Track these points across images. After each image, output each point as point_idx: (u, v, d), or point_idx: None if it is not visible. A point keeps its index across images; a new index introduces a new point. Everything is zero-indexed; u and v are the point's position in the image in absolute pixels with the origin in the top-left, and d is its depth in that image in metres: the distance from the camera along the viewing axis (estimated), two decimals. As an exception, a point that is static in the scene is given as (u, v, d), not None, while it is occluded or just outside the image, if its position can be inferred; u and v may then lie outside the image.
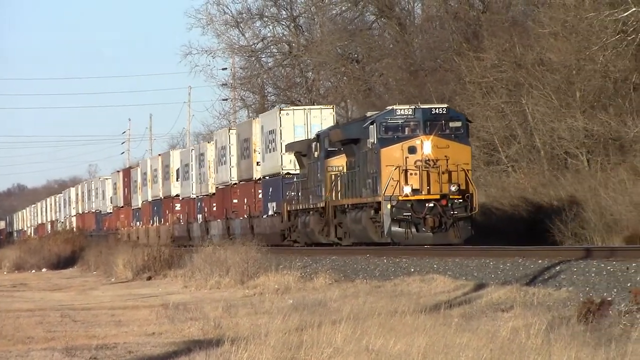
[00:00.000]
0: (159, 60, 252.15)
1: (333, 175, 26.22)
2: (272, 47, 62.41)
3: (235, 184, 39.50)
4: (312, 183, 28.42)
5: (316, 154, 27.69)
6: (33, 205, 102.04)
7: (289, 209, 30.63)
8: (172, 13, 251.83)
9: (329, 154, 26.76)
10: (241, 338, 6.27)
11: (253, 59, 61.42)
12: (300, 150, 29.97)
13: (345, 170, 25.66)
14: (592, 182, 26.92)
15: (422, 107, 22.98)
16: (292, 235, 30.89)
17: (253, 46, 60.93)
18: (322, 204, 26.92)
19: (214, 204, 42.43)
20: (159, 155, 58.01)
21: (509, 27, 39.08)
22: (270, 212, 34.06)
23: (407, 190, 21.72)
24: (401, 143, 22.03)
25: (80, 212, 73.49)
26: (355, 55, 54.48)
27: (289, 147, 31.40)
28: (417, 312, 7.92)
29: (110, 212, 63.43)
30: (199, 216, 44.56)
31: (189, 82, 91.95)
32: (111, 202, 64.26)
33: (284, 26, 61.49)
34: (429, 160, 21.72)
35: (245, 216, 37.33)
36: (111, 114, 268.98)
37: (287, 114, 33.84)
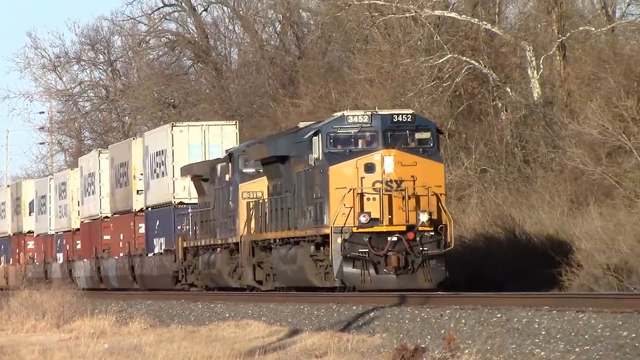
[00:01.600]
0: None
1: (251, 203, 21.75)
2: (89, 91, 64.19)
3: (107, 217, 34.35)
4: (220, 213, 23.46)
5: (227, 177, 22.87)
6: None
7: (185, 245, 25.87)
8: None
9: (245, 177, 22.29)
10: None
11: (70, 102, 63.53)
12: (201, 173, 25.05)
13: (266, 197, 21.20)
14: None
15: (380, 113, 18.16)
16: (189, 278, 25.95)
17: (70, 90, 62.78)
18: (234, 239, 22.24)
19: (78, 241, 37.45)
20: (8, 186, 52.03)
21: (325, 73, 40.99)
22: (157, 250, 28.78)
23: (364, 219, 16.95)
24: (355, 159, 17.38)
25: None
26: (172, 100, 55.56)
27: (186, 171, 26.14)
28: (232, 357, 8.91)
29: None
30: (59, 255, 39.36)
31: (6, 125, 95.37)
32: None
33: (101, 70, 63.55)
34: (391, 181, 17.18)
35: (122, 254, 32.00)
36: None
37: (181, 130, 28.67)
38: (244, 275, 22.14)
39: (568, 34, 30.48)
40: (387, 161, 17.13)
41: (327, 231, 17.16)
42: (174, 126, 29.23)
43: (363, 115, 17.98)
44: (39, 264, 40.87)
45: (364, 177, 17.22)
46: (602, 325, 7.72)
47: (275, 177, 20.64)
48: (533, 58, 29.81)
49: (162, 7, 53.59)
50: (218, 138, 28.30)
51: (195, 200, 26.36)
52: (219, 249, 23.38)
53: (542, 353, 7.22)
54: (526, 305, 11.67)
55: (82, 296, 21.21)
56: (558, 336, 7.89)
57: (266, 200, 21.13)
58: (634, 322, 7.45)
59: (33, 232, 42.86)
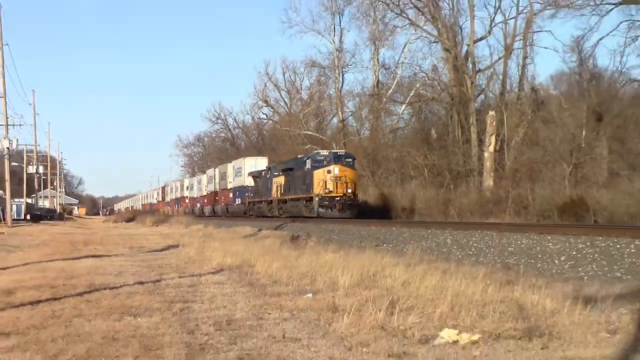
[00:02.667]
0: None
1: (276, 185, 41.75)
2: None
3: (217, 190, 63.30)
4: (264, 189, 45.29)
5: (268, 175, 44.07)
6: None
7: (248, 200, 49.88)
8: None
9: (274, 176, 42.30)
10: (186, 245, 19.74)
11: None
12: (256, 175, 48.44)
13: (283, 183, 40.28)
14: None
15: (332, 151, 38.32)
16: (250, 212, 48.63)
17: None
18: (270, 199, 42.91)
19: (205, 200, 68.17)
20: (178, 180, 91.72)
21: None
22: (237, 202, 54.04)
23: (327, 191, 34.42)
24: (323, 169, 34.81)
25: (142, 203, 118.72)
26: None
27: (250, 174, 50.28)
28: (237, 236, 24.79)
29: (154, 202, 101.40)
30: (198, 204, 71.34)
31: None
32: (154, 198, 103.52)
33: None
34: (337, 177, 34.52)
35: (224, 204, 59.70)
36: None
37: (245, 160, 55.26)
38: (273, 211, 41.21)
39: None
40: (336, 169, 33.90)
41: (312, 195, 34.10)
42: (244, 159, 55.95)
43: (326, 151, 37.42)
44: (189, 208, 73.72)
45: (328, 174, 33.78)
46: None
47: (287, 176, 39.04)
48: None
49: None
50: (259, 162, 53.38)
51: (251, 184, 49.11)
52: (263, 202, 44.59)
53: (338, 238, 20.90)
54: (362, 223, 25.24)
55: (199, 218, 51.73)
56: (378, 235, 20.09)
57: (283, 184, 39.84)
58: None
59: (187, 197, 77.59)
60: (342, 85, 58.36)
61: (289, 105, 68.99)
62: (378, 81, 52.26)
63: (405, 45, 50.20)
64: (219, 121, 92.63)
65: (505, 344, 5.47)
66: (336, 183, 33.79)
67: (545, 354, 5.16)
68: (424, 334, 5.82)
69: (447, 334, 5.73)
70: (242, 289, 9.48)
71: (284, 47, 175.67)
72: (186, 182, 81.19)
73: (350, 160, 35.82)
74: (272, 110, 73.36)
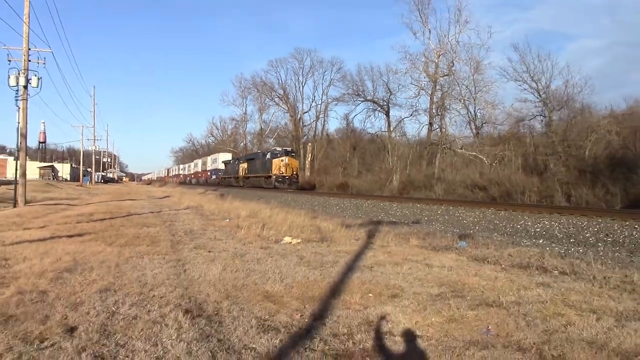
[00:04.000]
0: None
1: (242, 168, 60.59)
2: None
3: (199, 171, 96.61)
4: (231, 171, 65.15)
5: (236, 162, 63.91)
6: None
7: (221, 177, 73.10)
8: None
9: (240, 163, 62.60)
10: (173, 196, 54.67)
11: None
12: (226, 162, 69.92)
13: (247, 167, 59.35)
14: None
15: (283, 148, 55.76)
16: (222, 184, 69.29)
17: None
18: (237, 176, 63.33)
19: (192, 176, 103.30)
20: (187, 164, 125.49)
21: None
22: (213, 178, 77.11)
23: (280, 172, 50.99)
24: (279, 158, 51.59)
25: (156, 176, 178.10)
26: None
27: (223, 162, 72.62)
28: (199, 194, 33.84)
29: (162, 176, 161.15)
30: (188, 179, 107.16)
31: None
32: (163, 173, 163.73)
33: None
34: (287, 164, 51.21)
35: (203, 179, 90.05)
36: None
37: (222, 154, 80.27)
38: (239, 183, 60.95)
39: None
40: (286, 159, 51.03)
41: (271, 175, 50.91)
42: (219, 154, 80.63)
43: (280, 148, 54.89)
44: (182, 180, 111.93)
45: (281, 162, 50.69)
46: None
47: (250, 163, 57.64)
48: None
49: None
50: (227, 155, 75.06)
51: (223, 168, 71.32)
52: (232, 178, 63.30)
53: (244, 197, 46.05)
54: (259, 190, 46.30)
55: (185, 185, 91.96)
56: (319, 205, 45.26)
57: (246, 168, 58.32)
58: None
59: (181, 174, 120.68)
60: (245, 129, 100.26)
61: (222, 136, 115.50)
62: (261, 128, 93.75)
63: (273, 113, 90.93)
64: (190, 142, 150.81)
65: (312, 244, 12.90)
66: (286, 168, 50.78)
67: (329, 248, 12.56)
68: (277, 238, 13.22)
69: (287, 239, 13.16)
70: (197, 217, 18.04)
71: (220, 109, 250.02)
72: (181, 167, 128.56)
73: (293, 154, 54.73)
74: (214, 138, 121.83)
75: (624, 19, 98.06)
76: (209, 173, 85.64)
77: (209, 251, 10.75)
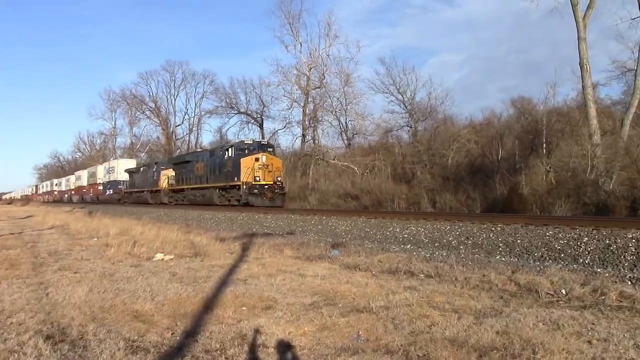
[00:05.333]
0: None
1: (166, 177, 46.04)
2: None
3: (91, 184, 75.05)
4: (143, 182, 51.91)
5: (154, 169, 49.11)
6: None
7: (125, 191, 58.68)
8: None
9: (162, 169, 47.17)
10: (36, 215, 52.72)
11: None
12: (133, 171, 56.72)
13: (177, 174, 43.93)
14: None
15: (257, 140, 38.31)
16: (125, 200, 57.83)
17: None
18: (156, 189, 47.78)
19: (73, 191, 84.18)
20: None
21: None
22: (108, 193, 64.23)
23: (255, 179, 32.71)
24: (251, 156, 33.42)
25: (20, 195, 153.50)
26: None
27: (128, 172, 59.21)
28: (64, 212, 32.30)
29: (29, 194, 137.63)
30: (66, 195, 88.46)
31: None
32: (29, 192, 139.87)
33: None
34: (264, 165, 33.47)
35: (92, 194, 71.78)
36: None
37: (123, 160, 67.50)
38: (161, 199, 46.16)
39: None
40: (262, 157, 32.42)
41: (238, 183, 32.29)
42: (118, 160, 66.85)
43: (251, 139, 37.02)
44: (58, 197, 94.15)
45: (255, 163, 32.00)
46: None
47: (182, 168, 42.21)
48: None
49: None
50: (130, 162, 64.44)
51: (126, 179, 59.30)
52: (145, 192, 50.77)
53: (113, 212, 44.21)
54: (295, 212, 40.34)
55: (54, 203, 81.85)
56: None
57: (174, 176, 44.21)
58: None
59: (56, 190, 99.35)
60: (115, 143, 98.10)
61: (90, 152, 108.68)
62: (132, 142, 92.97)
63: (144, 127, 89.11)
64: (55, 158, 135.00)
65: (185, 260, 12.62)
66: (264, 171, 32.34)
67: (203, 263, 12.35)
68: (148, 255, 12.81)
69: (159, 256, 12.80)
70: (63, 236, 17.00)
71: (88, 123, 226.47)
72: (55, 182, 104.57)
73: (272, 149, 35.20)
74: (82, 153, 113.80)
75: (480, 35, 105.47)
76: (100, 187, 68.69)
77: (75, 272, 10.21)
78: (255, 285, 8.84)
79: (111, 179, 64.54)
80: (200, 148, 63.76)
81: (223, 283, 8.99)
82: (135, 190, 53.96)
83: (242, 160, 32.23)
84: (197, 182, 38.52)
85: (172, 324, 6.45)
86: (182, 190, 41.52)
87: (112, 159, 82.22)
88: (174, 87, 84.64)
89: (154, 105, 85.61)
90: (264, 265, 11.03)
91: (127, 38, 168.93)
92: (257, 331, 6.07)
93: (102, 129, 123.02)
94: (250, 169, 31.78)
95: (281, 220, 21.52)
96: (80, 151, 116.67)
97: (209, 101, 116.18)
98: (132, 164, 63.54)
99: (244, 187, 31.71)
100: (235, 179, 32.53)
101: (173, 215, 30.48)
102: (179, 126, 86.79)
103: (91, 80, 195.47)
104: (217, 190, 35.05)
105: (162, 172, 46.60)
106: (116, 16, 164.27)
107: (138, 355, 5.29)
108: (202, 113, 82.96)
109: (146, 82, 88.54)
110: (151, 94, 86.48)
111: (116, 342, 5.65)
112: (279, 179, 32.72)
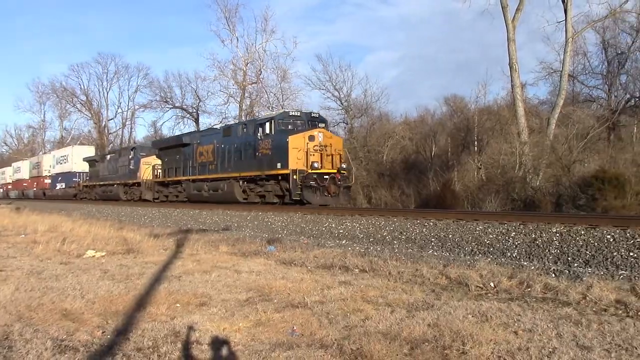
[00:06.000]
0: None
1: (147, 167, 35.41)
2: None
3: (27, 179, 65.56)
4: (112, 173, 40.89)
5: (130, 157, 37.75)
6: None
7: (83, 184, 47.89)
8: None
9: (142, 157, 36.46)
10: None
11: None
12: (97, 159, 45.59)
13: (162, 163, 33.76)
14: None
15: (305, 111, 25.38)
16: (83, 195, 47.67)
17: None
18: (134, 181, 36.92)
19: (11, 186, 72.62)
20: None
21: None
22: (59, 187, 54.01)
23: None
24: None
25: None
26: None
27: (87, 160, 48.10)
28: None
29: None
30: (1, 190, 77.47)
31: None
32: None
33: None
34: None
35: (36, 189, 61.45)
36: None
37: (79, 147, 56.49)
38: (143, 195, 35.25)
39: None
40: (319, 135, 22.29)
41: (287, 172, 21.40)
42: (72, 147, 56.37)
43: (297, 110, 25.89)
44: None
45: (309, 143, 21.96)
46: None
47: (177, 154, 30.78)
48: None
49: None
50: (88, 150, 55.40)
51: (84, 170, 48.63)
52: (115, 185, 39.74)
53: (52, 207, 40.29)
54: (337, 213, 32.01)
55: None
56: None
57: (160, 165, 33.78)
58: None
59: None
60: (44, 137, 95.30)
61: (17, 146, 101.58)
62: (62, 136, 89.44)
63: (75, 120, 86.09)
64: None
65: (117, 257, 12.35)
66: (321, 155, 22.53)
67: (136, 259, 12.09)
68: (79, 252, 12.47)
69: (90, 253, 12.48)
70: None
71: (15, 116, 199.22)
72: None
73: (325, 124, 24.50)
74: (9, 147, 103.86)
75: (415, 34, 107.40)
76: (47, 180, 57.32)
77: (0, 270, 9.82)
78: (190, 281, 8.75)
79: (64, 170, 53.10)
80: (135, 142, 61.27)
81: (156, 280, 8.85)
82: (100, 183, 43.08)
83: (291, 138, 22.24)
84: (203, 172, 28.49)
85: (103, 322, 6.31)
86: (178, 182, 31.71)
87: (40, 153, 77.84)
88: (107, 80, 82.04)
89: (85, 98, 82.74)
90: (198, 261, 10.92)
91: (57, 29, 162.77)
92: (190, 328, 6.01)
93: (30, 122, 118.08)
94: (303, 152, 22.11)
95: (217, 216, 21.36)
96: (7, 145, 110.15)
97: (143, 95, 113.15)
98: (90, 151, 53.70)
99: (295, 177, 21.81)
100: (279, 165, 22.53)
101: (105, 211, 29.82)
102: (112, 120, 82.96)
103: (17, 71, 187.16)
104: (241, 182, 25.46)
105: (143, 160, 36.31)
106: (43, 6, 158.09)
107: (66, 355, 5.15)
108: (136, 107, 78.33)
109: (77, 75, 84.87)
110: (82, 86, 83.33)
111: (43, 341, 5.48)
112: (343, 165, 23.05)
